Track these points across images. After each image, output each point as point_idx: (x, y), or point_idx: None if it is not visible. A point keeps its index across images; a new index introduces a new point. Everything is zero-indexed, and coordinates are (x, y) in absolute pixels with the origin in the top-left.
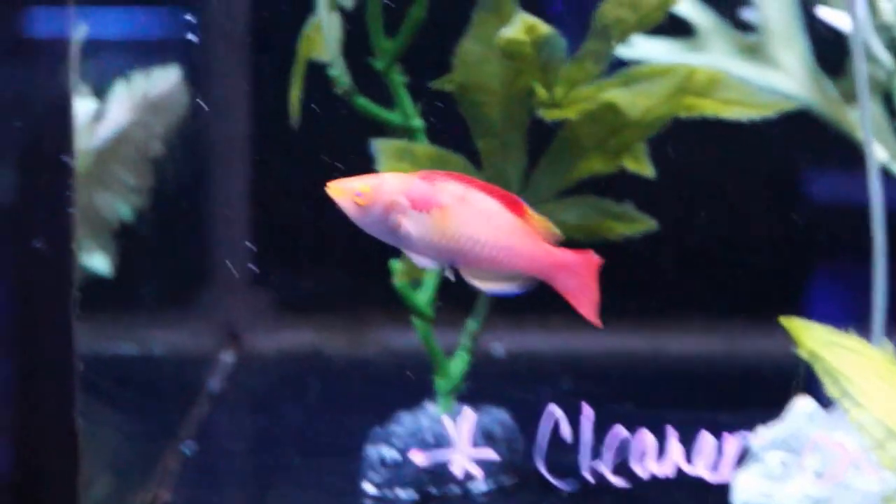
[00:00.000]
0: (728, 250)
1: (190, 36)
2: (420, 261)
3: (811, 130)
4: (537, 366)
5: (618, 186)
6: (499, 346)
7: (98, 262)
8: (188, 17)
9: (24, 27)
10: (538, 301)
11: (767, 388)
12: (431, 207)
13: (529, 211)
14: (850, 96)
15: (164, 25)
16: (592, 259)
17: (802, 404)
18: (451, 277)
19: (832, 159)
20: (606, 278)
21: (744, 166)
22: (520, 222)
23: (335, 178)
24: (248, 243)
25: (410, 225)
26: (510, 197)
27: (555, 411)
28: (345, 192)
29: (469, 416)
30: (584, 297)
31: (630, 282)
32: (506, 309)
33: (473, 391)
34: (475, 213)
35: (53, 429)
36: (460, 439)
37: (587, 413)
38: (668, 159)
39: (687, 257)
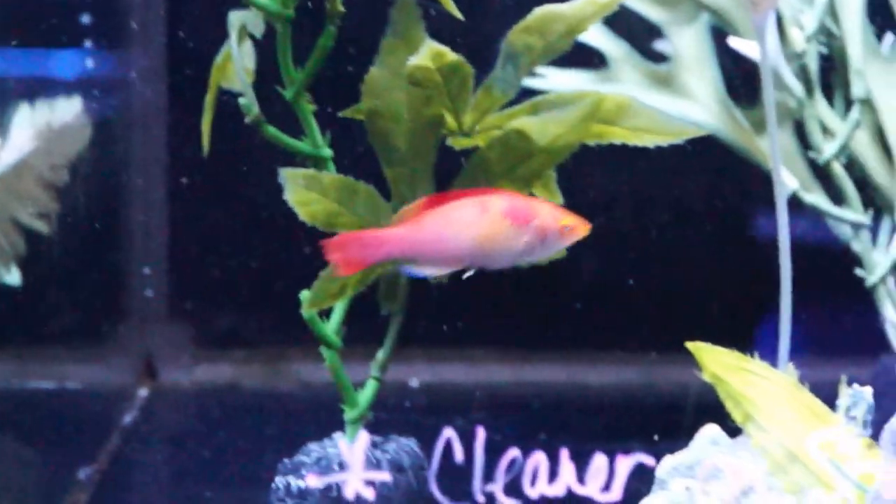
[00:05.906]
0: (648, 281)
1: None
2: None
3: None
4: (455, 397)
5: None
6: (414, 379)
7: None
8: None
9: None
10: (458, 333)
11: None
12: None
13: None
14: (762, 125)
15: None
16: None
17: (708, 431)
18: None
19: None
20: (528, 308)
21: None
22: None
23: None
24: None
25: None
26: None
27: (448, 434)
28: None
29: (363, 438)
30: None
31: (549, 313)
32: (425, 341)
33: (386, 422)
34: None
35: None
36: (353, 462)
37: (479, 436)
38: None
39: (608, 287)
